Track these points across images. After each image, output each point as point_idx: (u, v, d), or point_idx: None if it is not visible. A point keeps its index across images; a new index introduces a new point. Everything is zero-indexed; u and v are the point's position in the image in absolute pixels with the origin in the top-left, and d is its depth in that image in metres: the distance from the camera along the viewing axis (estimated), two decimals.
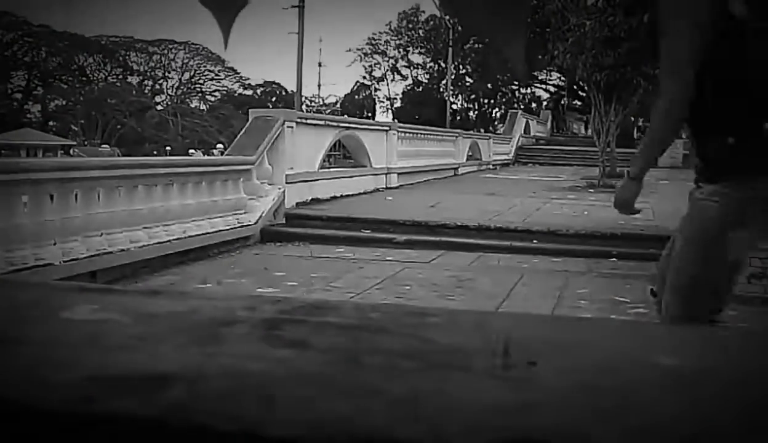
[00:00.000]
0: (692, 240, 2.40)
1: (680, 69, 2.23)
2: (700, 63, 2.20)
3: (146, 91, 59.67)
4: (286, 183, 9.52)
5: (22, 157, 30.32)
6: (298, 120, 10.35)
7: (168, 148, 47.67)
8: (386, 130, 14.41)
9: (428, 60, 57.52)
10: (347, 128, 12.55)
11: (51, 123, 55.94)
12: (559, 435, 0.40)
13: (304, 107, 38.09)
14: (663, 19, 2.32)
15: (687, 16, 2.23)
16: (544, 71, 43.46)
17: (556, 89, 47.68)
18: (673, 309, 2.45)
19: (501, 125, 38.44)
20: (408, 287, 6.08)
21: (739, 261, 2.44)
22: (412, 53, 58.24)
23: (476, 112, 57.84)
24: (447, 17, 37.85)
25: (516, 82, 52.42)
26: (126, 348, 0.53)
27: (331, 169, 12.88)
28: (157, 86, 60.38)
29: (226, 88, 62.05)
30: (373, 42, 58.79)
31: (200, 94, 61.73)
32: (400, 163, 14.63)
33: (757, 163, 2.22)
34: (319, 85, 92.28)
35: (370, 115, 56.76)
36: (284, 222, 9.26)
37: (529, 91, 55.55)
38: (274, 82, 64.85)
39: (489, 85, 54.79)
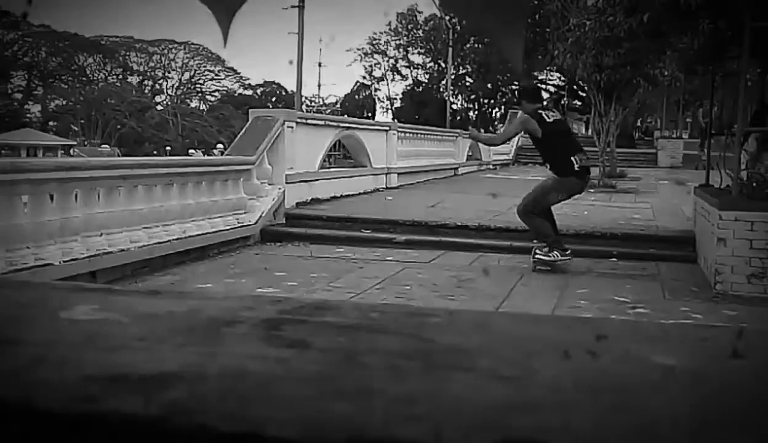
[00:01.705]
0: (542, 186, 6.80)
1: (505, 137, 8.59)
2: (547, 136, 6.60)
3: (146, 91, 59.65)
4: (286, 183, 9.52)
5: (22, 157, 30.32)
6: (298, 120, 10.35)
7: (168, 148, 47.68)
8: (386, 130, 14.41)
9: (428, 60, 57.54)
10: (347, 128, 12.54)
11: (51, 123, 55.92)
12: (559, 435, 0.40)
13: (304, 107, 38.04)
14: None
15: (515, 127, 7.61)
16: (544, 71, 43.48)
17: (556, 89, 47.70)
18: (521, 205, 6.81)
19: (501, 125, 38.43)
20: (408, 287, 6.08)
21: (553, 203, 6.81)
22: (412, 53, 58.29)
23: (476, 112, 57.85)
24: (447, 17, 37.84)
25: (516, 82, 52.44)
26: (126, 348, 0.53)
27: (331, 169, 12.87)
28: (157, 86, 60.38)
29: (226, 88, 62.08)
30: (373, 42, 58.85)
31: (200, 94, 61.73)
32: (400, 163, 14.62)
33: (568, 171, 6.57)
34: (319, 85, 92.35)
35: (370, 115, 56.74)
36: (284, 222, 9.25)
37: None
38: (274, 82, 64.87)
39: (489, 85, 54.80)
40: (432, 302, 5.46)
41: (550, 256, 6.71)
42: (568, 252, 6.77)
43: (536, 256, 6.79)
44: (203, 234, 7.64)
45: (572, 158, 6.54)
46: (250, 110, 10.26)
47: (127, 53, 58.51)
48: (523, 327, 0.64)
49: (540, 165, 7.59)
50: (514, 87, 54.46)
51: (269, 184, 9.22)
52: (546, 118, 6.59)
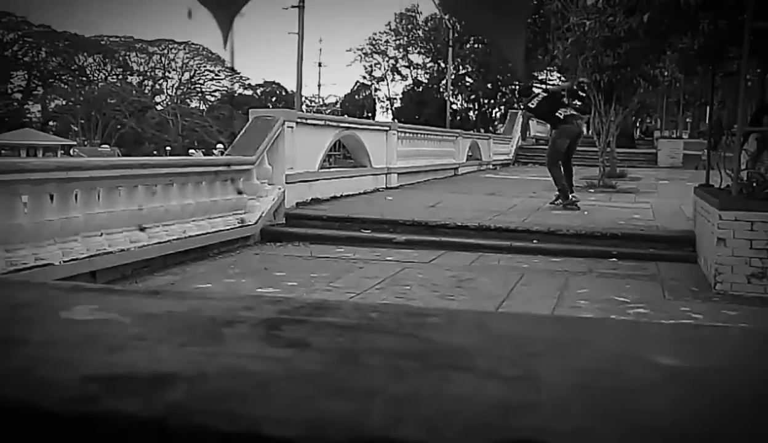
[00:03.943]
0: (551, 142, 10.97)
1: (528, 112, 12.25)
2: (536, 112, 11.34)
3: (146, 91, 59.67)
4: (286, 183, 9.52)
5: (22, 157, 30.32)
6: (298, 120, 10.34)
7: (168, 148, 47.72)
8: (386, 130, 14.40)
9: (428, 60, 57.56)
10: (347, 128, 12.54)
11: (51, 123, 55.95)
12: (559, 435, 0.40)
13: (304, 107, 38.07)
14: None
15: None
16: (544, 71, 43.45)
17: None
18: (546, 160, 11.10)
19: (501, 125, 38.45)
20: (408, 287, 6.07)
21: (562, 148, 10.63)
22: (412, 53, 58.30)
23: (476, 112, 57.85)
24: (447, 17, 37.84)
25: (516, 82, 52.44)
26: (126, 348, 0.53)
27: (331, 169, 12.87)
28: (157, 86, 60.42)
29: (226, 88, 62.07)
30: (373, 42, 58.87)
31: (200, 94, 61.74)
32: (400, 163, 14.62)
33: (557, 121, 10.64)
34: (319, 85, 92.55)
35: (370, 115, 56.75)
36: (284, 222, 9.25)
37: None
38: (274, 82, 64.92)
39: (489, 85, 54.81)
40: (432, 302, 5.46)
41: (556, 204, 10.49)
42: (570, 199, 10.44)
43: (548, 203, 10.71)
44: (203, 234, 7.64)
45: (556, 114, 10.52)
46: (250, 110, 10.26)
47: (127, 53, 58.55)
48: (523, 327, 0.64)
49: (540, 165, 10.28)
50: (514, 87, 54.50)
51: (269, 184, 9.22)
52: (531, 104, 10.87)
